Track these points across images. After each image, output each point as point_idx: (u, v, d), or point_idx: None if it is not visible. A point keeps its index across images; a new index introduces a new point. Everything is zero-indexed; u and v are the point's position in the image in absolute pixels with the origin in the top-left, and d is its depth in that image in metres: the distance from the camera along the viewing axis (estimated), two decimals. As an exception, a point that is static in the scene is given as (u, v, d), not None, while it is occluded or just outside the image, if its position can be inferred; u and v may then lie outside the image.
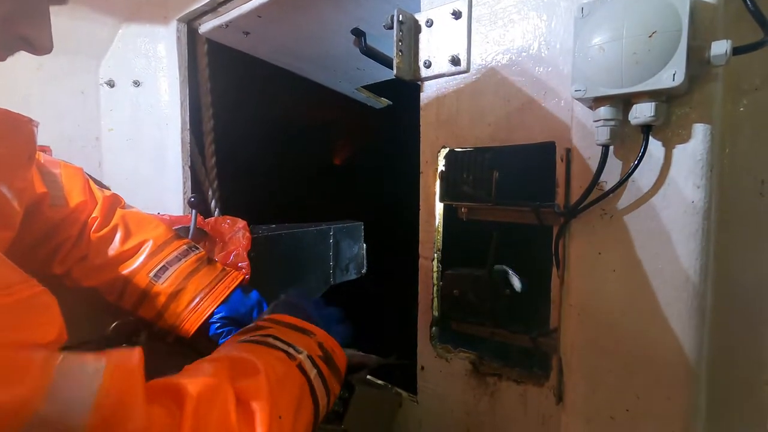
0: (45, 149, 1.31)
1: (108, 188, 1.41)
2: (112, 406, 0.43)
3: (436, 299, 0.97)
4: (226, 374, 0.56)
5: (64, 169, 0.90)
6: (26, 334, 0.41)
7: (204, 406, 0.50)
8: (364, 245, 1.70)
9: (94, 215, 0.89)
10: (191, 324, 0.88)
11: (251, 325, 0.78)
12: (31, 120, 0.67)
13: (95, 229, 0.88)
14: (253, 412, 0.54)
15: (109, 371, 0.44)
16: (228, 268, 0.98)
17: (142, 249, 0.89)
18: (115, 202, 0.94)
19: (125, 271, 0.88)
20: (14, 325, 0.41)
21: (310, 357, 0.69)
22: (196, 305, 0.89)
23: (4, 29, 0.51)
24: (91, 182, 0.94)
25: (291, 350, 0.68)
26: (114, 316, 1.00)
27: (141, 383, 0.47)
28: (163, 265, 0.89)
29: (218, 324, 0.90)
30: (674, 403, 0.64)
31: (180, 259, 0.91)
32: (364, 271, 1.70)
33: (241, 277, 0.97)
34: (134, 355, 0.48)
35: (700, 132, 0.60)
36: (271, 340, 0.70)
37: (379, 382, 1.01)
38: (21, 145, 0.66)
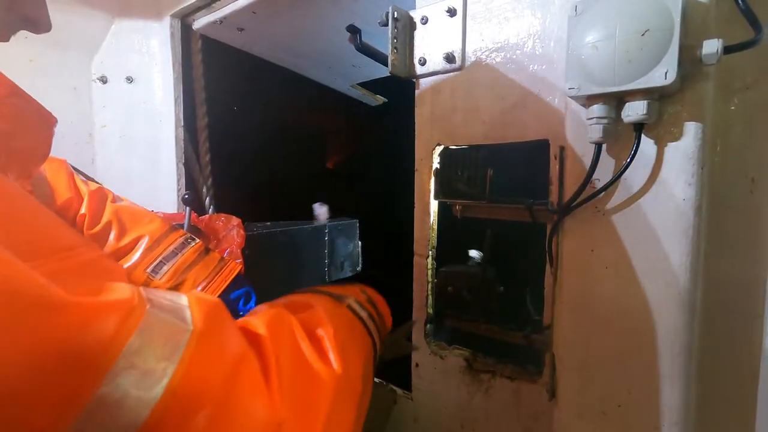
0: (36, 146, 1.29)
1: (100, 184, 1.40)
2: (207, 322, 0.41)
3: (430, 296, 0.97)
4: (284, 309, 0.54)
5: (47, 164, 0.87)
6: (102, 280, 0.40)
7: (276, 335, 0.48)
8: (360, 243, 1.70)
9: (82, 212, 0.88)
10: None
11: None
12: (55, 119, 0.66)
13: (87, 226, 0.87)
14: (319, 338, 0.52)
15: (192, 299, 0.43)
16: (226, 258, 0.98)
17: (138, 245, 0.89)
18: (102, 197, 0.92)
19: None
20: (84, 283, 0.39)
21: (357, 301, 0.67)
22: None
23: (9, 11, 0.56)
24: (76, 176, 0.92)
25: (335, 295, 0.66)
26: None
27: (227, 312, 0.45)
28: (160, 261, 0.88)
29: None
30: (665, 398, 0.64)
31: (177, 253, 0.90)
32: (359, 268, 1.70)
33: (239, 268, 0.97)
34: (209, 294, 0.47)
35: (691, 130, 0.61)
36: (313, 290, 0.68)
37: (374, 379, 1.01)
38: (40, 143, 0.65)
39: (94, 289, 0.35)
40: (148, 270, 0.87)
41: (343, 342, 0.54)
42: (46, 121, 0.65)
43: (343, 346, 0.53)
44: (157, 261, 0.88)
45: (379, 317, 0.70)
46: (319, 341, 0.52)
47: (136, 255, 0.88)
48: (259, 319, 0.50)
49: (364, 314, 0.65)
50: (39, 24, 0.60)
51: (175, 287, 0.88)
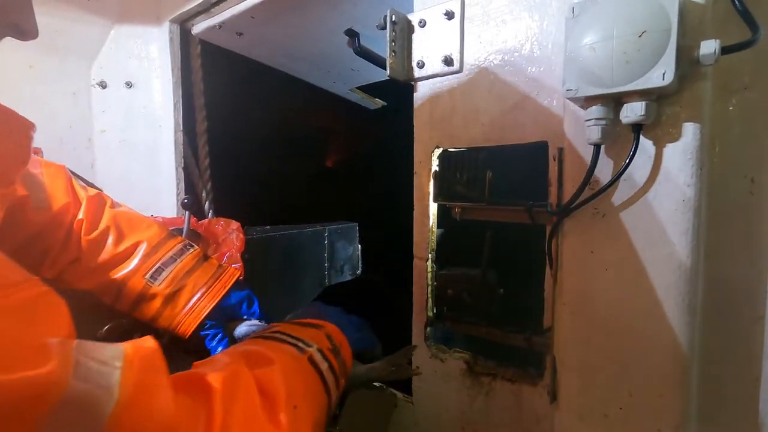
0: (36, 151, 1.30)
1: (100, 189, 1.40)
2: (137, 386, 0.40)
3: (430, 299, 0.97)
4: (243, 362, 0.55)
5: (45, 168, 0.87)
6: (35, 331, 0.39)
7: (229, 393, 0.48)
8: (359, 246, 1.70)
9: (79, 217, 0.88)
10: (188, 326, 0.87)
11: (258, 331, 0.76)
12: (31, 125, 0.66)
13: (85, 231, 0.87)
14: (273, 397, 0.52)
15: (129, 353, 0.42)
16: (224, 265, 0.98)
17: (136, 251, 0.88)
18: (100, 202, 0.92)
19: (120, 274, 0.87)
20: (22, 324, 0.38)
21: (320, 350, 0.68)
22: (193, 306, 0.88)
23: None
24: (75, 181, 0.92)
25: (300, 344, 0.66)
26: (107, 317, 0.99)
27: (163, 367, 0.45)
28: (159, 267, 0.88)
29: (207, 324, 0.89)
30: (667, 400, 0.64)
31: (175, 260, 0.90)
32: (358, 272, 1.70)
33: (237, 274, 0.96)
34: (148, 340, 0.47)
35: (690, 131, 0.61)
36: (279, 335, 0.69)
37: (375, 383, 1.00)
38: (17, 149, 0.65)
39: (12, 360, 0.34)
40: (147, 276, 0.87)
41: (297, 402, 0.55)
42: (23, 127, 0.65)
43: (294, 404, 0.54)
44: (156, 267, 0.88)
45: (340, 366, 0.71)
46: (272, 401, 0.52)
47: (135, 261, 0.88)
48: (217, 373, 0.50)
49: (324, 366, 0.66)
50: (26, 31, 0.58)
51: (175, 293, 0.88)
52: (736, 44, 0.58)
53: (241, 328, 0.93)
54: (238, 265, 1.10)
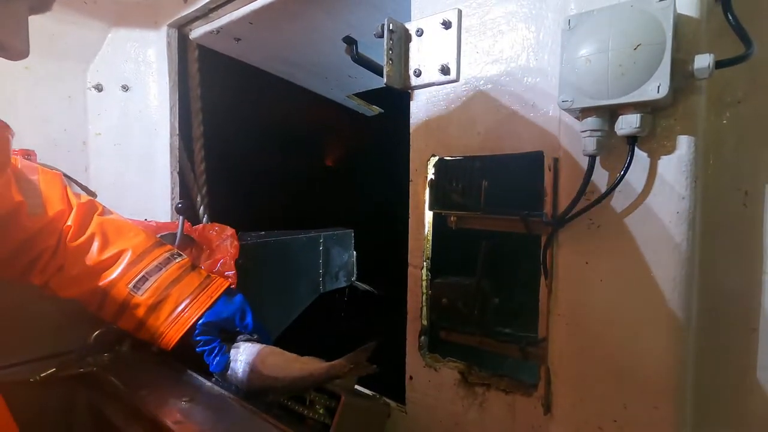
0: (30, 153, 1.29)
1: (94, 193, 1.39)
2: None
3: (425, 308, 0.96)
4: None
5: (42, 175, 0.86)
6: None
7: None
8: (354, 253, 1.69)
9: (68, 224, 0.87)
10: (170, 337, 0.86)
11: None
12: (7, 126, 0.65)
13: (70, 238, 0.85)
14: None
15: None
16: (213, 275, 0.96)
17: (120, 259, 0.87)
18: (90, 209, 0.91)
19: (103, 282, 0.85)
20: None
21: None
22: (177, 316, 0.86)
23: None
24: (69, 189, 0.91)
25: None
26: (98, 324, 0.97)
27: None
28: (143, 276, 0.86)
29: (198, 331, 0.88)
30: (662, 412, 0.64)
31: (161, 269, 0.88)
32: (354, 278, 1.69)
33: (226, 285, 0.95)
34: None
35: (684, 143, 0.61)
36: None
37: (368, 392, 0.99)
38: None
39: None
40: (130, 286, 0.85)
41: None
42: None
43: None
44: (140, 276, 0.86)
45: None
46: None
47: (118, 269, 0.86)
48: None
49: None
50: (11, 50, 0.55)
51: (158, 303, 0.86)
52: (729, 58, 0.59)
53: (239, 345, 0.91)
54: (231, 272, 1.09)
